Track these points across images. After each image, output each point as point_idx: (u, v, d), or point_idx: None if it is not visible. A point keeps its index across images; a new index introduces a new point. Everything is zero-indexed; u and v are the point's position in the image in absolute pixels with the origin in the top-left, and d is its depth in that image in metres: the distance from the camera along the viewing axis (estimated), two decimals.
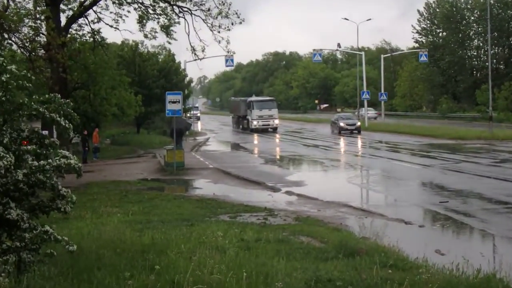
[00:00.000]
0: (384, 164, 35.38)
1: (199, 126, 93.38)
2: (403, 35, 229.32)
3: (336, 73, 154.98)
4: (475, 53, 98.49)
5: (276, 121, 74.17)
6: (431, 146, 46.61)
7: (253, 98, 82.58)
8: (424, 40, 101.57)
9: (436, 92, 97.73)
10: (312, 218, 19.16)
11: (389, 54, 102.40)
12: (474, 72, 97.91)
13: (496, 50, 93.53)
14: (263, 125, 72.88)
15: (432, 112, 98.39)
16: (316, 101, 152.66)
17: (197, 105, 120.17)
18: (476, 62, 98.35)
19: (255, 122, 73.26)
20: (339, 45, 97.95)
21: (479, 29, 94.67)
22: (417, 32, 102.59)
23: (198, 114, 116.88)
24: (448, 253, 14.12)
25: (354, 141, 52.57)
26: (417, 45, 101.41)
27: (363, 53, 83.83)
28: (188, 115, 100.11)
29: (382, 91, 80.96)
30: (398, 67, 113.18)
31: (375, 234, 15.18)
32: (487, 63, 77.94)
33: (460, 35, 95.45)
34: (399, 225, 18.45)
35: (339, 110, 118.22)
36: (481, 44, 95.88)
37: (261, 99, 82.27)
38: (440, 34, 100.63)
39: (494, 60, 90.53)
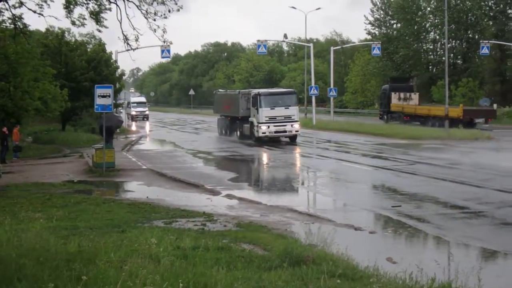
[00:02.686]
0: (333, 165, 35.67)
1: (146, 128, 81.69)
2: (355, 26, 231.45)
3: (283, 66, 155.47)
4: (431, 47, 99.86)
5: (297, 126, 51.16)
6: (384, 146, 47.14)
7: (262, 90, 56.61)
8: (377, 32, 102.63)
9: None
10: (255, 224, 19.23)
11: (339, 47, 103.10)
12: (430, 67, 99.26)
13: (454, 44, 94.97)
14: (276, 132, 50.70)
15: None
16: None
17: (143, 99, 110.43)
18: (432, 56, 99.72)
19: (263, 128, 50.33)
20: (285, 36, 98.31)
21: (436, 21, 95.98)
22: (370, 23, 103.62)
23: (146, 112, 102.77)
24: (400, 261, 14.30)
25: (300, 140, 52.75)
26: (369, 37, 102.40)
27: (311, 45, 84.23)
28: (134, 112, 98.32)
29: (332, 86, 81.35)
30: (349, 60, 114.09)
31: (322, 241, 15.29)
32: (443, 58, 79.13)
33: (416, 27, 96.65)
34: (349, 231, 18.64)
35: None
36: (437, 37, 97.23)
37: (275, 91, 56.33)
38: (394, 26, 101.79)
39: (451, 54, 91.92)
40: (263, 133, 50.50)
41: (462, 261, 14.61)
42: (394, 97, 77.13)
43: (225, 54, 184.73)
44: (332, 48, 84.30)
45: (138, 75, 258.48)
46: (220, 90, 75.16)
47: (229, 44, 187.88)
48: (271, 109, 50.58)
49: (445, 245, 17.33)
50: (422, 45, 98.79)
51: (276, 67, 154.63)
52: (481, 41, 77.75)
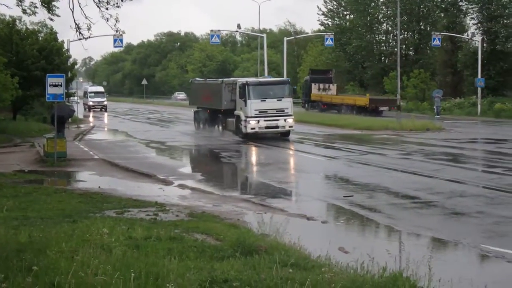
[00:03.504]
0: (286, 155, 35.78)
1: (102, 118, 78.29)
2: (309, 17, 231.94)
3: (236, 57, 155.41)
4: (383, 38, 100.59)
5: (290, 121, 45.24)
6: (336, 136, 47.44)
7: (251, 78, 51.10)
8: (330, 23, 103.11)
9: (342, 79, 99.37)
10: (208, 214, 19.19)
11: (293, 37, 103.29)
12: (383, 58, 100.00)
13: (406, 35, 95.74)
14: (267, 128, 44.91)
15: None
16: None
17: (101, 88, 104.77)
18: (384, 48, 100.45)
19: (252, 123, 44.37)
20: (239, 26, 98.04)
21: (388, 12, 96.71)
22: (323, 14, 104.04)
23: (105, 102, 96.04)
24: (352, 251, 14.38)
25: None
26: (323, 28, 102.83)
27: (264, 35, 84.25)
28: (91, 103, 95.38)
29: (285, 76, 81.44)
30: (302, 51, 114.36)
31: (275, 231, 15.32)
32: (396, 49, 79.82)
33: (369, 18, 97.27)
34: (301, 221, 18.71)
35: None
36: (390, 28, 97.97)
37: (265, 80, 49.44)
38: (348, 17, 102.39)
39: (404, 46, 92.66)
40: (252, 128, 44.18)
41: (413, 251, 14.72)
42: (314, 88, 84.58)
43: (178, 44, 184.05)
44: (285, 39, 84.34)
45: (91, 65, 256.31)
46: (197, 79, 66.33)
47: (182, 34, 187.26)
48: (261, 101, 44.36)
49: (396, 235, 17.49)
50: (375, 36, 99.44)
51: (230, 57, 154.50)
52: (432, 33, 78.58)
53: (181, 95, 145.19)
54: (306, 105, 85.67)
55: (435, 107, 73.00)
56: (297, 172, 29.86)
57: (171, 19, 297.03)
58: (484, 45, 78.31)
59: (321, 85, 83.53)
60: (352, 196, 22.55)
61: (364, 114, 69.02)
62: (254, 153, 38.77)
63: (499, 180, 25.77)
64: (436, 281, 11.23)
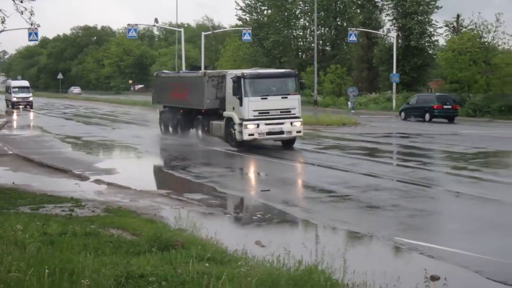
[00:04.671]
0: (209, 152, 35.72)
1: (20, 113, 74.90)
2: (227, 11, 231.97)
3: (153, 51, 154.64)
4: (301, 33, 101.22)
5: (298, 124, 35.80)
6: None
7: (248, 70, 39.03)
8: (248, 18, 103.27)
9: None
10: (124, 209, 19.06)
11: (210, 32, 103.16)
12: (300, 53, 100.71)
13: (323, 31, 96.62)
14: (269, 134, 35.34)
15: None
16: (130, 81, 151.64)
17: (26, 83, 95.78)
18: (302, 43, 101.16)
19: (251, 127, 34.89)
20: (156, 20, 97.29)
21: (306, 7, 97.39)
22: (241, 9, 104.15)
23: (30, 98, 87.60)
24: (269, 245, 14.48)
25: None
26: (240, 23, 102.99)
27: (182, 29, 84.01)
28: (15, 99, 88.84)
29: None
30: (220, 46, 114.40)
31: (192, 226, 15.34)
32: (313, 44, 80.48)
33: (286, 14, 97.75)
34: (218, 216, 18.75)
35: None
36: (307, 24, 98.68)
37: (267, 72, 38.81)
38: (265, 12, 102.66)
39: (321, 41, 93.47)
40: (250, 135, 34.68)
41: (329, 244, 14.92)
42: None
43: (95, 38, 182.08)
44: (203, 33, 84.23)
45: (5, 58, 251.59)
46: (165, 71, 55.02)
47: (99, 28, 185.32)
48: (261, 99, 34.74)
49: (312, 228, 17.65)
50: (292, 32, 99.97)
51: (147, 52, 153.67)
52: (349, 28, 79.61)
53: (76, 89, 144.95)
54: None
55: (349, 102, 73.92)
56: (214, 167, 29.85)
57: (87, 12, 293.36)
58: (399, 41, 79.62)
59: None
60: (269, 190, 22.67)
61: None
62: (178, 150, 38.55)
63: (413, 173, 26.27)
64: (351, 273, 11.40)
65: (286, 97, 35.36)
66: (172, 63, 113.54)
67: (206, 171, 28.06)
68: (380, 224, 17.55)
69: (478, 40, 69.79)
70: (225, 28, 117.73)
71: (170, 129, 43.70)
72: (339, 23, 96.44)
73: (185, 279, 10.20)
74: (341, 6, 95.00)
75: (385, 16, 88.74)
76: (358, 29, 79.02)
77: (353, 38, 75.73)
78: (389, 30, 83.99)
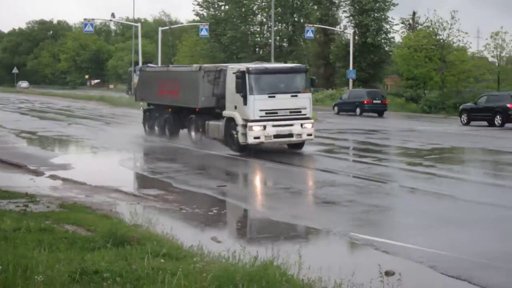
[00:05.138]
0: (162, 148, 35.57)
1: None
2: (184, 7, 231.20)
3: (110, 46, 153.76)
4: (258, 29, 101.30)
5: (309, 126, 31.97)
6: None
7: (252, 64, 33.99)
8: (205, 13, 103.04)
9: None
10: (79, 205, 18.89)
11: (168, 27, 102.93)
12: (257, 49, 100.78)
13: (280, 27, 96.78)
14: (277, 136, 31.42)
15: None
16: (86, 76, 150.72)
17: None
18: (259, 39, 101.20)
19: (256, 129, 31.02)
20: (113, 15, 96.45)
21: (263, 4, 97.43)
22: (198, 4, 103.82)
23: None
24: (225, 240, 14.50)
25: (133, 121, 52.19)
26: (198, 18, 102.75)
27: (139, 24, 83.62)
28: None
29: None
30: (177, 41, 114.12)
31: (148, 221, 15.28)
32: (270, 40, 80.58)
33: (243, 10, 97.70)
34: (174, 211, 18.68)
35: (111, 86, 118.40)
36: (264, 20, 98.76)
37: (275, 67, 35.07)
38: (223, 8, 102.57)
39: (278, 37, 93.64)
40: (255, 138, 30.72)
41: (285, 239, 14.99)
42: (136, 77, 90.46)
43: (51, 32, 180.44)
44: (160, 29, 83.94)
45: None
46: (150, 64, 50.92)
47: (55, 22, 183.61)
48: (269, 97, 31.07)
49: (270, 224, 17.67)
50: (250, 28, 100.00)
51: (103, 47, 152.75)
52: (306, 25, 79.86)
53: (24, 84, 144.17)
54: (129, 92, 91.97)
55: None
56: (170, 163, 29.76)
57: (44, 7, 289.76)
58: (356, 37, 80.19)
59: None
60: (225, 186, 22.69)
61: None
62: (132, 145, 38.27)
63: (369, 169, 26.45)
64: (306, 268, 11.45)
65: (296, 96, 31.51)
66: (129, 58, 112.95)
67: (157, 168, 27.96)
68: (336, 220, 17.63)
69: (433, 37, 70.49)
70: (182, 23, 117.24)
71: (156, 129, 39.23)
72: (296, 19, 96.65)
73: (140, 275, 10.17)
74: (298, 2, 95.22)
75: (342, 13, 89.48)
76: (315, 25, 79.44)
77: (310, 34, 76.08)
78: (345, 26, 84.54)
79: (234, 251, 12.06)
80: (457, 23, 69.79)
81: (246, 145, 30.84)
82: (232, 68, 32.46)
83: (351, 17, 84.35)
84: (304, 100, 31.68)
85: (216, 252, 12.46)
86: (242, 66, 32.16)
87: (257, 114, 30.66)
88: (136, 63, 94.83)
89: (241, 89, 30.55)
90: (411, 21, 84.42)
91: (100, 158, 33.24)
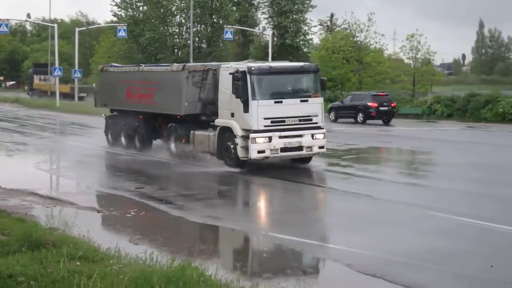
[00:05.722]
0: (77, 149, 35.20)
1: None
2: (102, 7, 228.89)
3: (26, 47, 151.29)
4: (177, 30, 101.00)
5: (321, 137, 27.11)
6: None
7: (254, 63, 28.14)
8: (123, 14, 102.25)
9: None
10: None
11: (85, 28, 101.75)
12: (176, 50, 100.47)
13: (199, 28, 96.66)
14: (285, 149, 26.24)
15: None
16: (1, 78, 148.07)
17: None
18: (178, 40, 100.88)
19: (260, 140, 25.85)
20: (29, 15, 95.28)
21: (182, 4, 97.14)
22: (116, 5, 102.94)
23: None
24: (142, 242, 14.47)
25: (49, 122, 51.68)
26: (116, 19, 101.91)
27: (56, 25, 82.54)
28: None
29: (76, 67, 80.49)
30: (95, 42, 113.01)
31: (64, 224, 15.13)
32: (189, 41, 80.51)
33: (162, 10, 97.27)
34: (91, 214, 18.55)
35: (26, 88, 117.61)
36: (183, 21, 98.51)
37: (281, 66, 28.35)
38: (141, 8, 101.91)
39: (197, 38, 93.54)
40: (259, 152, 25.73)
41: (202, 240, 15.04)
42: (36, 78, 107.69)
43: None
44: (77, 29, 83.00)
45: None
46: (115, 64, 43.08)
47: None
48: (275, 102, 26.18)
49: (186, 225, 17.68)
50: (168, 29, 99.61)
51: (19, 47, 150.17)
52: (225, 26, 79.96)
53: None
54: (29, 92, 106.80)
55: None
56: (88, 165, 29.49)
57: None
58: (275, 39, 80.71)
59: (42, 76, 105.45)
60: (143, 187, 22.61)
61: (67, 99, 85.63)
62: (47, 146, 37.72)
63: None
64: (224, 269, 11.53)
65: (307, 101, 26.68)
66: (45, 59, 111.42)
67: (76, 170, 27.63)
68: (249, 219, 17.76)
69: (351, 39, 71.51)
70: (99, 24, 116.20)
71: (123, 139, 33.93)
72: (215, 20, 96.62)
73: (56, 278, 10.10)
74: (217, 4, 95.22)
75: (261, 14, 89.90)
76: (234, 26, 79.62)
77: (229, 35, 76.19)
78: (264, 28, 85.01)
79: (152, 253, 12.06)
80: (374, 25, 71.04)
81: (246, 160, 25.96)
82: (228, 67, 27.28)
83: (270, 19, 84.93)
84: (315, 106, 26.89)
85: (133, 254, 12.43)
86: (242, 65, 26.83)
87: (262, 123, 25.67)
88: (35, 65, 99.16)
89: (241, 92, 25.51)
90: (329, 23, 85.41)
91: (15, 160, 32.68)
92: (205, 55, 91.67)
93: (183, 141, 29.18)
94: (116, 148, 33.70)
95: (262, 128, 25.62)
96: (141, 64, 36.91)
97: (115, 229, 16.71)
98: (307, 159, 27.76)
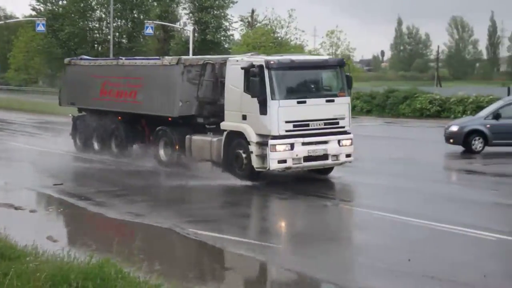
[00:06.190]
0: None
1: None
2: (21, 1, 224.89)
3: None
4: (97, 25, 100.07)
5: (348, 143, 23.05)
6: (48, 124, 46.55)
7: (270, 56, 24.18)
8: (42, 8, 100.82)
9: (55, 66, 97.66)
10: None
11: (2, 22, 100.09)
12: (96, 45, 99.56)
13: (119, 23, 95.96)
14: (309, 158, 22.32)
15: (50, 87, 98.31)
16: None
17: None
18: (98, 35, 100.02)
19: (281, 148, 21.76)
20: None
21: None
22: None
23: None
24: (61, 239, 14.35)
25: None
26: (34, 13, 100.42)
27: None
28: None
29: None
30: (13, 36, 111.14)
31: None
32: (109, 36, 79.81)
33: (82, 5, 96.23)
34: (8, 211, 18.29)
35: None
36: (103, 16, 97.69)
37: (304, 60, 24.33)
38: (60, 3, 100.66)
39: (117, 33, 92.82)
40: (280, 161, 21.82)
41: (123, 236, 14.98)
42: None
43: None
44: None
45: None
46: (85, 57, 35.77)
47: None
48: (298, 103, 22.29)
49: (106, 222, 17.61)
50: (88, 23, 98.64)
51: None
52: (146, 21, 79.47)
53: None
54: None
55: None
56: (6, 161, 29.03)
57: None
58: (196, 34, 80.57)
59: None
60: (61, 184, 22.38)
61: None
62: None
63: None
64: (143, 265, 11.52)
65: (333, 100, 22.97)
66: None
67: None
68: (173, 216, 17.74)
69: (271, 35, 71.85)
70: (18, 18, 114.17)
71: (96, 144, 29.61)
72: (136, 15, 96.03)
73: None
74: None
75: (182, 10, 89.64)
76: (154, 22, 79.10)
77: (149, 31, 75.65)
78: (185, 23, 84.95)
79: (69, 250, 11.98)
80: (295, 22, 71.55)
81: (261, 171, 22.29)
82: (238, 61, 23.20)
83: (191, 14, 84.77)
84: (342, 107, 23.15)
85: (51, 251, 12.30)
86: (257, 59, 22.91)
87: (283, 127, 21.81)
88: None
89: (258, 91, 21.65)
90: (250, 19, 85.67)
91: None
92: (125, 50, 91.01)
93: (176, 147, 24.99)
94: (86, 153, 29.48)
95: (283, 133, 21.80)
96: (120, 57, 31.70)
97: (34, 226, 16.51)
98: (328, 169, 23.91)
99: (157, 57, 29.14)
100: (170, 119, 25.36)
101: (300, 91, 22.68)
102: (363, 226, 16.77)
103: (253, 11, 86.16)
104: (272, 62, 21.86)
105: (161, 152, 25.90)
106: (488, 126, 29.48)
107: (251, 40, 71.33)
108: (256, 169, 21.97)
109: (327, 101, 22.68)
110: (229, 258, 14.36)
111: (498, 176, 24.83)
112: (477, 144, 29.33)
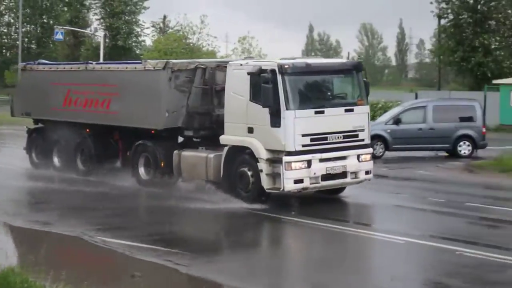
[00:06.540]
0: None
1: None
2: None
3: None
4: (5, 30, 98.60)
5: (367, 157, 20.31)
6: None
7: (284, 60, 19.80)
8: None
9: None
10: None
11: None
12: (4, 51, 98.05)
13: (28, 28, 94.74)
14: (328, 177, 19.48)
15: None
16: None
17: None
18: (6, 40, 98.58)
19: (297, 166, 18.77)
20: None
21: (11, 4, 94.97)
22: None
23: None
24: None
25: None
26: None
27: None
28: None
29: None
30: None
31: None
32: (17, 42, 78.61)
33: None
34: None
35: None
36: (12, 21, 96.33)
37: (321, 63, 21.65)
38: None
39: (26, 39, 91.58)
40: (297, 181, 18.95)
41: (31, 245, 14.88)
42: None
43: None
44: None
45: None
46: (43, 61, 30.64)
47: None
48: (316, 113, 19.58)
49: (10, 231, 17.48)
50: None
51: None
52: (55, 26, 78.55)
53: None
54: None
55: None
56: None
57: None
58: (107, 40, 79.87)
59: None
60: None
61: None
62: None
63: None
64: (51, 274, 11.50)
65: (352, 110, 20.23)
66: None
67: None
68: (81, 224, 17.69)
69: (183, 41, 71.75)
70: None
71: (56, 160, 26.08)
72: (45, 20, 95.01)
73: None
74: (48, 4, 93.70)
75: (93, 15, 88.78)
76: (64, 27, 78.18)
77: (59, 36, 74.71)
78: (96, 29, 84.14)
79: None
80: (207, 28, 71.63)
81: (270, 191, 19.24)
82: (242, 65, 20.36)
83: (102, 20, 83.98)
84: (361, 117, 20.42)
85: None
86: (268, 62, 20.07)
87: (299, 141, 19.03)
88: None
89: (270, 100, 18.85)
90: (161, 25, 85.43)
91: None
92: (34, 56, 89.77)
93: (162, 165, 21.84)
94: (44, 170, 26.13)
95: (299, 148, 18.99)
96: (89, 62, 27.53)
97: None
98: (341, 188, 21.05)
99: (138, 61, 26.15)
100: (153, 131, 22.34)
101: (317, 100, 20.16)
102: None
103: (165, 17, 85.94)
104: (286, 66, 19.06)
105: (141, 170, 22.71)
106: (388, 131, 30.07)
107: (162, 46, 71.02)
108: (266, 191, 19.19)
109: (346, 110, 20.03)
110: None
111: (403, 180, 25.45)
112: (378, 149, 29.51)
